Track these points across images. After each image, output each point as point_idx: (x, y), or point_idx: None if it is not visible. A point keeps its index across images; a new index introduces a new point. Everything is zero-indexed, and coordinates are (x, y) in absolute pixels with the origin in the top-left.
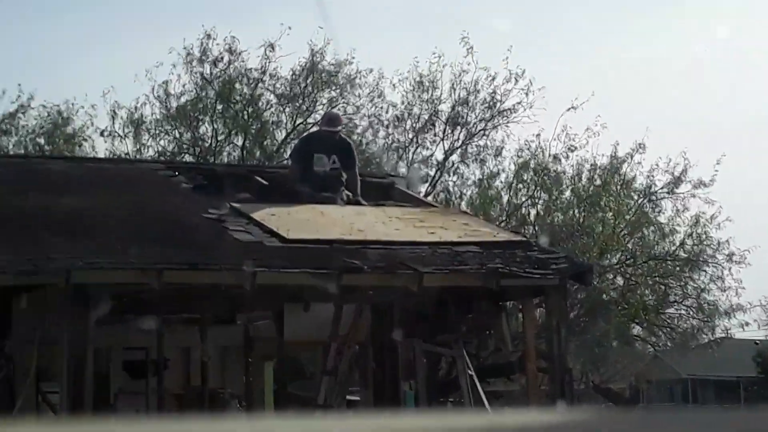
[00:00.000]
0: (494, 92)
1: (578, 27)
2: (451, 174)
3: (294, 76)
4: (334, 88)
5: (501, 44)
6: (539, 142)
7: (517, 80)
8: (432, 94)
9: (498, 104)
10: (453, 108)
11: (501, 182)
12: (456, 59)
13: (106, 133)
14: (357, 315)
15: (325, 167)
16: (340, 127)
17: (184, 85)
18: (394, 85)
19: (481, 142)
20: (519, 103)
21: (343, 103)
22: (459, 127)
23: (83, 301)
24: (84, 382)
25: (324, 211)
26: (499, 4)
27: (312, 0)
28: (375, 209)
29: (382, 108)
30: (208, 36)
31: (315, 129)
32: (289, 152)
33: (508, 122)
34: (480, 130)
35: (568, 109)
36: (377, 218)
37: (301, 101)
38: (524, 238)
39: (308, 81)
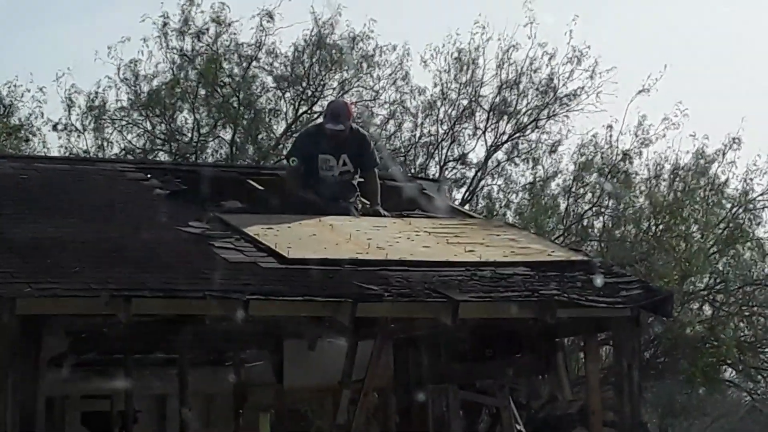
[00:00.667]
0: (552, 73)
1: None
2: (495, 176)
3: (296, 54)
4: (346, 68)
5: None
6: (608, 136)
7: (579, 60)
8: (472, 75)
9: (556, 89)
10: (498, 93)
11: (557, 186)
12: (505, 30)
13: (60, 127)
14: (375, 355)
15: (334, 171)
16: (349, 122)
17: (157, 65)
18: (425, 61)
19: (534, 137)
20: (581, 88)
21: (359, 86)
22: (506, 117)
23: (32, 338)
24: None
25: (334, 225)
26: None
27: None
28: (398, 221)
29: (408, 93)
30: (191, 1)
31: (319, 121)
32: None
33: (567, 111)
34: (532, 121)
35: (639, 92)
36: (401, 232)
37: (305, 84)
38: (586, 257)
39: (314, 59)
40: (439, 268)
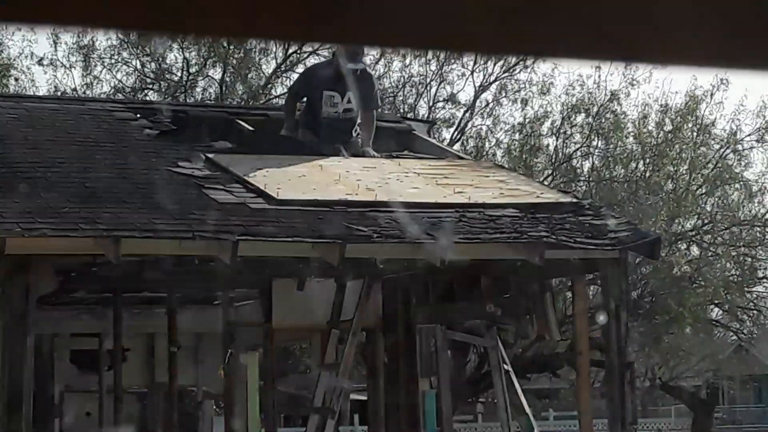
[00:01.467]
0: None
1: None
2: (485, 116)
3: None
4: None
5: None
6: (597, 77)
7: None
8: None
9: None
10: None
11: (547, 128)
12: None
13: (45, 62)
14: (364, 295)
15: (338, 108)
16: (361, 63)
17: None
18: None
19: (523, 77)
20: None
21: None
22: (494, 57)
23: (21, 277)
24: (22, 377)
25: (324, 165)
26: None
27: None
28: (387, 162)
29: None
30: None
31: (327, 59)
32: (285, 88)
33: None
34: (520, 60)
35: (658, 68)
36: (390, 173)
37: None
38: (575, 199)
39: None
40: (429, 210)
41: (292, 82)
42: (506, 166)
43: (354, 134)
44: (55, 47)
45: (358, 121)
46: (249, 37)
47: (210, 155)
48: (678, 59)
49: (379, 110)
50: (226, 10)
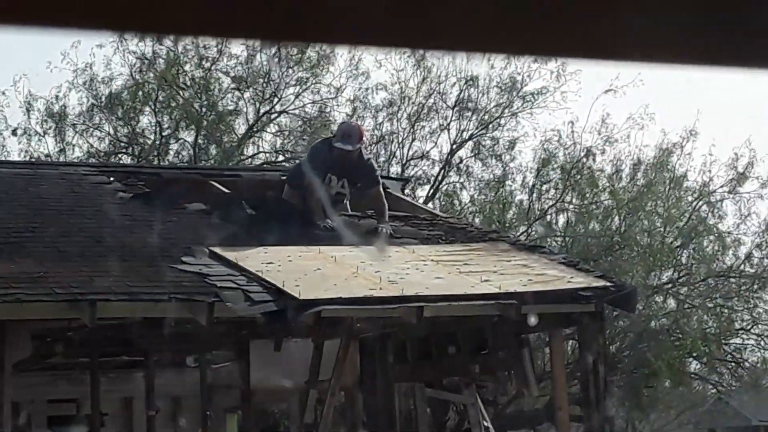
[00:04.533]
0: (515, 73)
1: None
2: (458, 174)
3: (250, 52)
4: (304, 66)
5: None
6: (571, 132)
7: (546, 60)
8: (432, 72)
9: (520, 87)
10: (460, 90)
11: (520, 183)
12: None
13: (20, 131)
14: (342, 355)
15: (331, 191)
16: (359, 145)
17: (109, 66)
18: (379, 62)
19: (497, 134)
20: (545, 87)
21: (316, 83)
22: (469, 114)
23: None
24: None
25: (337, 257)
26: None
27: None
28: (401, 250)
29: (368, 90)
30: None
31: (324, 142)
32: (265, 148)
33: (531, 108)
34: (495, 119)
35: (606, 92)
36: (407, 263)
37: (264, 84)
38: (610, 283)
39: (271, 58)
40: (463, 303)
41: (308, 161)
42: (480, 223)
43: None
44: (28, 114)
45: (347, 201)
46: (228, 36)
47: (214, 249)
48: (662, 56)
49: (381, 184)
50: (204, 7)
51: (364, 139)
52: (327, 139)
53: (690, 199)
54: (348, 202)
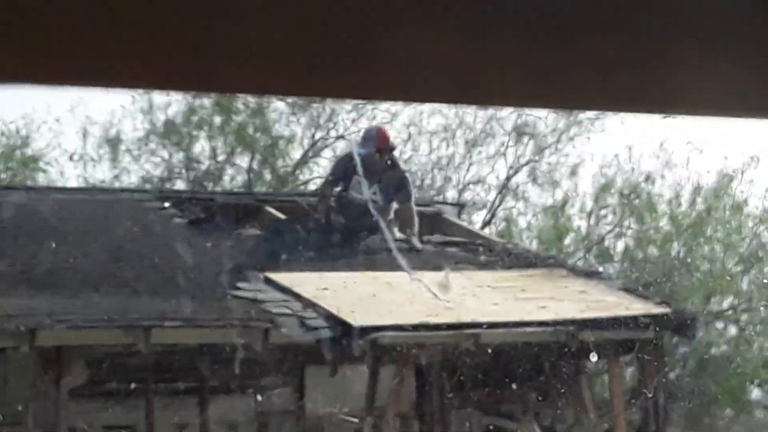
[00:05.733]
0: None
1: None
2: (515, 199)
3: None
4: None
5: None
6: (629, 158)
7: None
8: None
9: (578, 112)
10: (518, 116)
11: (577, 208)
12: None
13: (76, 157)
14: (398, 381)
15: (364, 196)
16: (386, 149)
17: (171, 93)
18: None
19: (553, 159)
20: (603, 112)
21: (372, 109)
22: (526, 139)
23: (52, 369)
24: None
25: (392, 283)
26: None
27: None
28: (456, 275)
29: (423, 114)
30: None
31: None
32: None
33: (589, 132)
34: (552, 143)
35: (665, 117)
36: (463, 288)
37: (320, 109)
38: (669, 310)
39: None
40: (519, 329)
41: (330, 169)
42: (537, 249)
43: (383, 222)
44: (84, 140)
45: (391, 215)
46: (260, 94)
47: (269, 274)
48: (691, 108)
49: (415, 200)
50: (242, 69)
51: (390, 142)
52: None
53: (751, 224)
54: (391, 217)
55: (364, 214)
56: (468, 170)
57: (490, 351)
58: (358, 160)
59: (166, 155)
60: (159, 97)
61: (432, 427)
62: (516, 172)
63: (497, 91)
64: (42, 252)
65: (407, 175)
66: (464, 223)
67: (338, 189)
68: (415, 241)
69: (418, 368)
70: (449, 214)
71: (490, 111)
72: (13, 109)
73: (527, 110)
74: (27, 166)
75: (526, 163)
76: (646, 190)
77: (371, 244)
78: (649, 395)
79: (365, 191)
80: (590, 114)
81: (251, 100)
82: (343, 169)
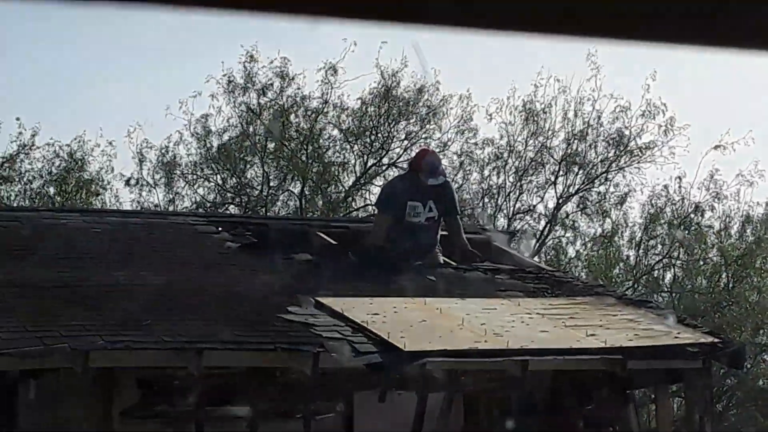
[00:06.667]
0: (623, 126)
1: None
2: (567, 228)
3: (363, 106)
4: (413, 119)
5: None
6: (679, 188)
7: (654, 115)
8: (541, 127)
9: (627, 142)
10: (568, 144)
11: (626, 239)
12: (570, 82)
13: (132, 182)
14: (446, 407)
15: (420, 218)
16: (441, 178)
17: (228, 120)
18: (490, 115)
19: (603, 188)
20: (653, 142)
21: (425, 137)
22: (576, 168)
23: (105, 390)
24: None
25: (442, 309)
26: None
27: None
28: (506, 302)
29: (475, 144)
30: (252, 58)
31: (405, 171)
32: (372, 201)
33: (638, 162)
34: (602, 173)
35: (715, 148)
36: (513, 315)
37: (372, 136)
38: (717, 339)
39: (382, 111)
40: (568, 357)
41: (378, 198)
42: (586, 277)
43: (436, 242)
44: (140, 164)
45: (442, 231)
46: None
47: (320, 299)
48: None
49: (460, 215)
50: None
51: (443, 169)
52: (404, 174)
53: None
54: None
55: (419, 237)
56: (518, 199)
57: (537, 378)
58: (412, 184)
59: (219, 180)
60: (214, 121)
61: None
62: (565, 201)
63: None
64: (96, 274)
65: (452, 187)
66: (514, 251)
67: (390, 217)
68: (469, 247)
69: (466, 394)
70: (499, 242)
71: (541, 138)
72: (65, 132)
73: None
74: (82, 189)
75: (576, 192)
76: (695, 220)
77: (423, 267)
78: (696, 426)
79: (421, 212)
80: (641, 142)
81: (305, 126)
82: (397, 200)
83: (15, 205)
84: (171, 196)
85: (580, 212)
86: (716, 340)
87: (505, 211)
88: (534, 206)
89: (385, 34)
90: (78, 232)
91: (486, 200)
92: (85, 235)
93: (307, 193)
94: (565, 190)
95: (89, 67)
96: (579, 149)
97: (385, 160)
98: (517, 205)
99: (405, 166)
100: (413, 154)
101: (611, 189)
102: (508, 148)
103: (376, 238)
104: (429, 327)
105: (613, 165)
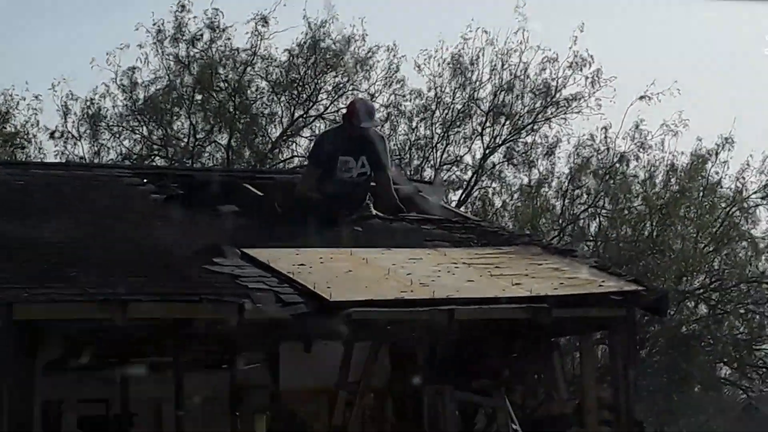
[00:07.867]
0: (550, 78)
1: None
2: (491, 179)
3: (290, 58)
4: (340, 71)
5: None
6: (605, 138)
7: (581, 67)
8: (468, 78)
9: (554, 93)
10: (495, 96)
11: (553, 189)
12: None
13: (57, 135)
14: (371, 357)
15: (352, 173)
16: (375, 122)
17: (155, 72)
18: (419, 66)
19: (530, 139)
20: (580, 93)
21: (352, 89)
22: (503, 119)
23: (28, 343)
24: None
25: (369, 259)
26: None
27: None
28: (432, 252)
29: (403, 96)
30: (183, 8)
31: (338, 124)
32: (299, 153)
33: (565, 113)
34: (528, 124)
35: (640, 98)
36: (439, 265)
37: (300, 88)
38: (641, 287)
39: (309, 63)
40: (495, 306)
41: (310, 151)
42: (512, 227)
43: (367, 198)
44: (65, 117)
45: (372, 183)
46: None
47: (246, 250)
48: None
49: (390, 169)
50: None
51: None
52: (338, 127)
53: (723, 205)
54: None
55: (350, 193)
56: (445, 150)
57: (463, 327)
58: (345, 136)
59: (145, 132)
60: (140, 74)
61: (405, 402)
62: (492, 152)
63: None
64: (20, 226)
65: (386, 139)
66: (441, 203)
67: (320, 171)
68: (402, 206)
69: (392, 344)
70: (425, 192)
71: (468, 90)
72: None
73: None
74: (6, 142)
75: (502, 143)
76: (620, 170)
77: (350, 220)
78: (620, 373)
79: (353, 167)
80: (566, 93)
81: (232, 77)
82: (327, 154)
83: None
84: (96, 149)
85: (506, 163)
86: (640, 288)
87: (432, 162)
88: (461, 157)
89: None
90: (2, 184)
91: (413, 151)
92: (9, 187)
93: (234, 144)
94: (492, 140)
95: (15, 18)
96: (506, 101)
97: (313, 112)
98: (444, 156)
99: (333, 118)
100: (347, 104)
101: (538, 140)
102: (436, 100)
103: (305, 189)
104: (355, 277)
105: (540, 116)
